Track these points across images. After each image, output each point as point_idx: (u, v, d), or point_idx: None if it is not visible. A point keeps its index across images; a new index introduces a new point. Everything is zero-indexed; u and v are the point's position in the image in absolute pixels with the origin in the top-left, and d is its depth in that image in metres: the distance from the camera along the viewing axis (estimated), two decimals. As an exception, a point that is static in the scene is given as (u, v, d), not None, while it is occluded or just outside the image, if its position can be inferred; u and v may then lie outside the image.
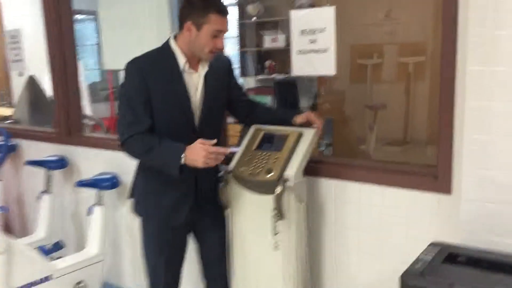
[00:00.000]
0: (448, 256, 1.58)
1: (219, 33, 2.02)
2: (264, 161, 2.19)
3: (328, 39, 2.26)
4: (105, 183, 2.91)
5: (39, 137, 3.56)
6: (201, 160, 1.94)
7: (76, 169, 3.32)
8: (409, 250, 2.05)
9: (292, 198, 2.12)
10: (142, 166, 2.21)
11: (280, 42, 6.47)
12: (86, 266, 2.84)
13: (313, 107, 4.06)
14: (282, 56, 6.42)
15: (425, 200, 2.01)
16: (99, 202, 2.93)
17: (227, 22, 2.05)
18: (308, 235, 2.26)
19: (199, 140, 1.98)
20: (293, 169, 2.11)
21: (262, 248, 2.23)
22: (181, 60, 2.07)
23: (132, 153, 2.06)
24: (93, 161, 3.19)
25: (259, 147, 2.25)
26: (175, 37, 2.10)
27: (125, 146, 2.04)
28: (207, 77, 2.13)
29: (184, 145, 1.98)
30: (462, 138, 1.81)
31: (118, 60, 3.02)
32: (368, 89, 3.14)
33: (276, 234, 2.17)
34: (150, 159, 2.05)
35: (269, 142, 2.25)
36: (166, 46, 2.09)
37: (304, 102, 4.98)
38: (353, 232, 2.23)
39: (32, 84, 4.24)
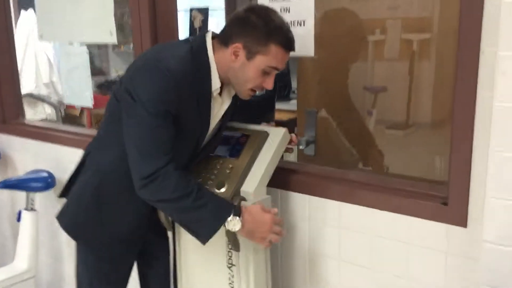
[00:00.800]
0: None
1: (273, 70, 1.51)
2: (215, 170, 1.65)
3: (306, 8, 1.69)
4: (36, 183, 2.37)
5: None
6: (262, 235, 1.47)
7: (10, 164, 2.78)
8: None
9: (251, 222, 1.58)
10: (96, 170, 1.60)
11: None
12: (12, 285, 2.33)
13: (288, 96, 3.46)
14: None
15: (429, 232, 1.47)
16: (29, 207, 2.40)
17: (287, 58, 1.52)
18: (273, 267, 1.73)
19: (259, 205, 1.49)
20: (253, 183, 1.57)
21: (214, 282, 1.70)
22: (216, 83, 1.52)
23: (160, 194, 1.42)
24: (32, 155, 2.65)
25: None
26: (212, 39, 1.53)
27: (151, 182, 1.40)
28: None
29: (235, 205, 1.46)
30: (487, 151, 1.26)
31: (55, 32, 2.47)
32: (369, 69, 2.64)
33: (230, 267, 1.64)
34: (182, 209, 1.44)
35: (224, 144, 1.70)
36: (203, 57, 1.51)
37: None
38: (332, 263, 1.69)
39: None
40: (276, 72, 1.53)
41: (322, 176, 1.71)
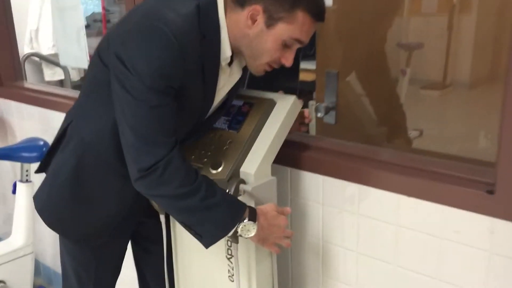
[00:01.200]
0: None
1: (296, 43, 1.24)
2: (212, 146, 1.39)
3: None
4: (29, 153, 2.17)
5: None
6: (275, 240, 1.29)
7: (10, 132, 2.60)
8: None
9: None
10: (79, 142, 1.33)
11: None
12: (8, 262, 2.18)
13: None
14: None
15: (468, 226, 1.19)
16: (24, 178, 2.22)
17: (314, 31, 1.26)
18: (280, 259, 1.50)
19: (273, 205, 1.28)
20: (255, 162, 1.32)
21: (213, 274, 1.48)
22: (226, 51, 1.24)
23: (162, 188, 1.17)
24: (33, 121, 2.46)
25: (210, 120, 1.45)
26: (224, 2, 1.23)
27: (152, 172, 1.15)
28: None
29: (250, 207, 1.24)
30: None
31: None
32: (404, 24, 2.34)
33: (230, 258, 1.41)
34: (186, 208, 1.20)
35: (224, 115, 1.44)
36: (212, 18, 1.22)
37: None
38: (349, 255, 1.44)
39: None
40: (299, 46, 1.24)
41: (340, 153, 1.44)
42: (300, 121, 1.48)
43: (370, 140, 1.90)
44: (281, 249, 1.33)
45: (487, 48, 1.85)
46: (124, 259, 1.58)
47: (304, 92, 2.47)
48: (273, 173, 1.38)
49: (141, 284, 1.73)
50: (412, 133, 2.03)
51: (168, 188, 1.17)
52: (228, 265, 1.42)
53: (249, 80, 1.88)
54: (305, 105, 2.42)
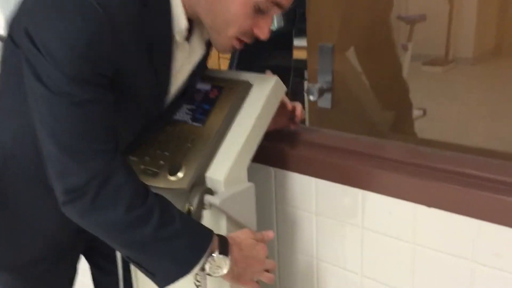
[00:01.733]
0: None
1: (273, 7, 0.91)
2: (170, 144, 1.08)
3: None
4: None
5: None
6: (252, 275, 1.00)
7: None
8: None
9: (224, 225, 1.02)
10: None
11: None
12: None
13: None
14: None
15: (509, 246, 0.89)
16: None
17: None
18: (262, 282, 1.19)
19: (248, 232, 1.00)
20: (225, 165, 1.01)
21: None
22: (180, 22, 0.91)
23: (100, 215, 0.86)
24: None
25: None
26: None
27: (83, 195, 0.84)
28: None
29: (220, 236, 0.95)
30: None
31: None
32: None
33: (198, 285, 1.10)
34: (134, 241, 0.89)
35: (187, 103, 1.12)
36: None
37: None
38: (351, 279, 1.14)
39: None
40: (277, 11, 0.92)
41: (337, 149, 1.12)
42: (291, 116, 1.16)
43: (374, 128, 1.59)
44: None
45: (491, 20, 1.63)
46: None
47: (299, 72, 2.16)
48: (252, 176, 1.06)
49: None
50: (415, 113, 1.75)
51: (107, 214, 0.85)
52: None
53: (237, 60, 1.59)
54: (301, 87, 2.11)
